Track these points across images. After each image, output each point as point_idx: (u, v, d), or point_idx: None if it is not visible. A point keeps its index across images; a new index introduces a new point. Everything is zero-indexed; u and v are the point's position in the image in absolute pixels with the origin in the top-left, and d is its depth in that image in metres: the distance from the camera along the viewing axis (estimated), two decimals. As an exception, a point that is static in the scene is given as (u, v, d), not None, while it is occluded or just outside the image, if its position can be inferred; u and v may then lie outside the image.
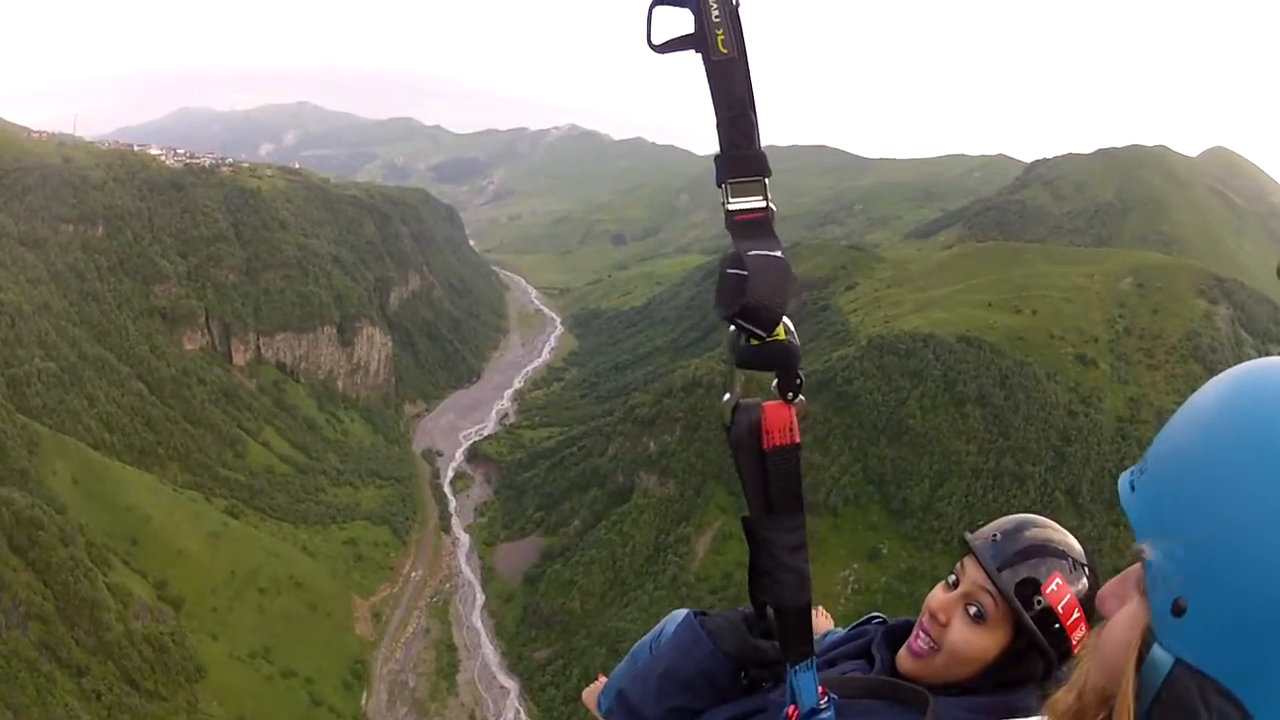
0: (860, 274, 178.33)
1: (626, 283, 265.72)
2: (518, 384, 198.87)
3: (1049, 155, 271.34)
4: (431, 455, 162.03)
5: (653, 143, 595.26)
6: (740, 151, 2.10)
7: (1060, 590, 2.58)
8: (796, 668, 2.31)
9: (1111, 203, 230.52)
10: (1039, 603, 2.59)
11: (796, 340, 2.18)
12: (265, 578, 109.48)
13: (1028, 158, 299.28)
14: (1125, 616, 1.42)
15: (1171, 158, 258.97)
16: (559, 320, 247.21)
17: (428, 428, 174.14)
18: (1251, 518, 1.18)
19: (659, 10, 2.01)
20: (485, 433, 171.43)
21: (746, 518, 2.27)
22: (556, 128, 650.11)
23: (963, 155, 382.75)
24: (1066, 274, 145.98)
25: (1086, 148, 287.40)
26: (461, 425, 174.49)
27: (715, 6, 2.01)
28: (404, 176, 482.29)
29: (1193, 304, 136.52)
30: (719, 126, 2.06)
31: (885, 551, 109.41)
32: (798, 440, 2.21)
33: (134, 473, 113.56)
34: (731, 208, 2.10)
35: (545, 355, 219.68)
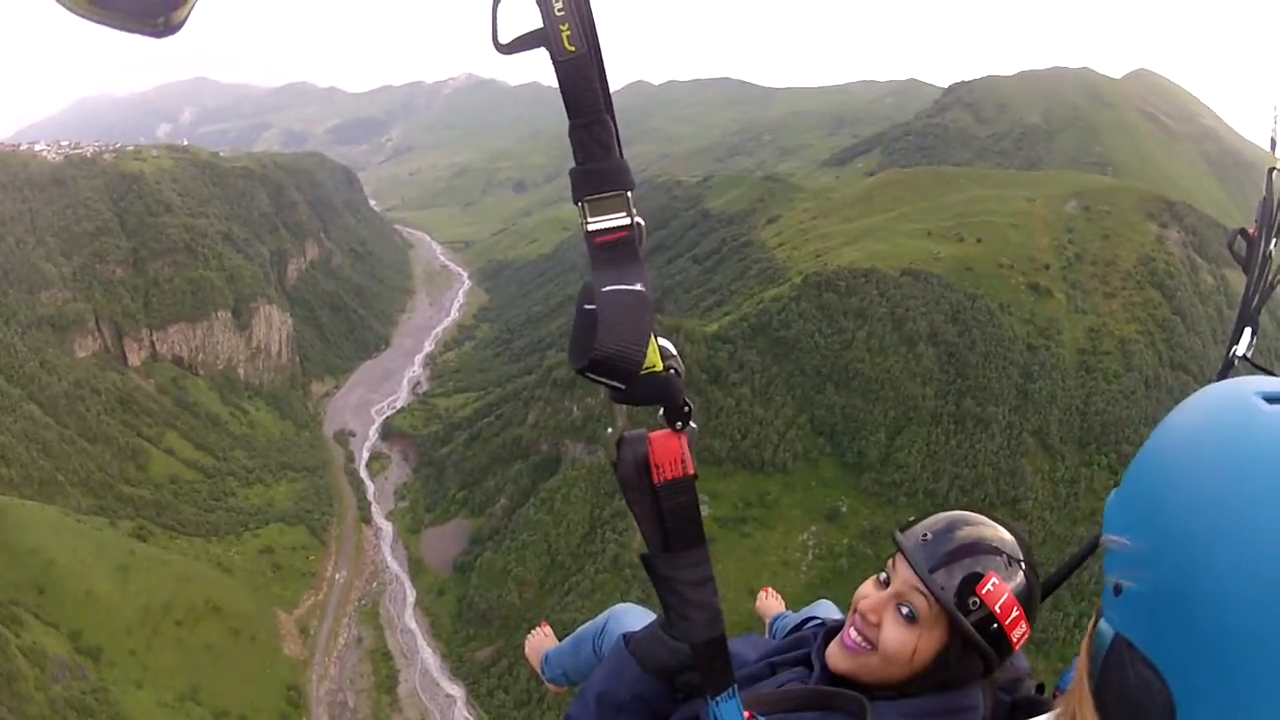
0: (780, 205, 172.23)
1: (533, 230, 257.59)
2: (428, 347, 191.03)
3: (967, 78, 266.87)
4: (344, 437, 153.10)
5: (550, 86, 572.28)
6: (597, 163, 1.76)
7: (997, 589, 2.55)
8: (718, 699, 2.16)
9: (1038, 124, 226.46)
10: (975, 603, 2.54)
11: (678, 364, 1.92)
12: (181, 608, 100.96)
13: (940, 82, 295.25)
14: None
15: (1096, 79, 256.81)
16: (466, 275, 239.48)
17: (338, 406, 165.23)
18: (1183, 517, 1.38)
19: (505, 4, 1.67)
20: (398, 405, 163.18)
21: (645, 556, 2.12)
22: (453, 78, 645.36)
23: (872, 81, 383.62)
24: (1005, 199, 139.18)
25: (1004, 70, 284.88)
26: (373, 399, 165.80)
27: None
28: (302, 142, 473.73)
29: (1143, 228, 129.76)
30: (571, 134, 1.74)
31: (844, 510, 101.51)
32: (691, 471, 2.01)
33: (35, 508, 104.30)
34: (591, 228, 1.81)
35: (454, 313, 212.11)
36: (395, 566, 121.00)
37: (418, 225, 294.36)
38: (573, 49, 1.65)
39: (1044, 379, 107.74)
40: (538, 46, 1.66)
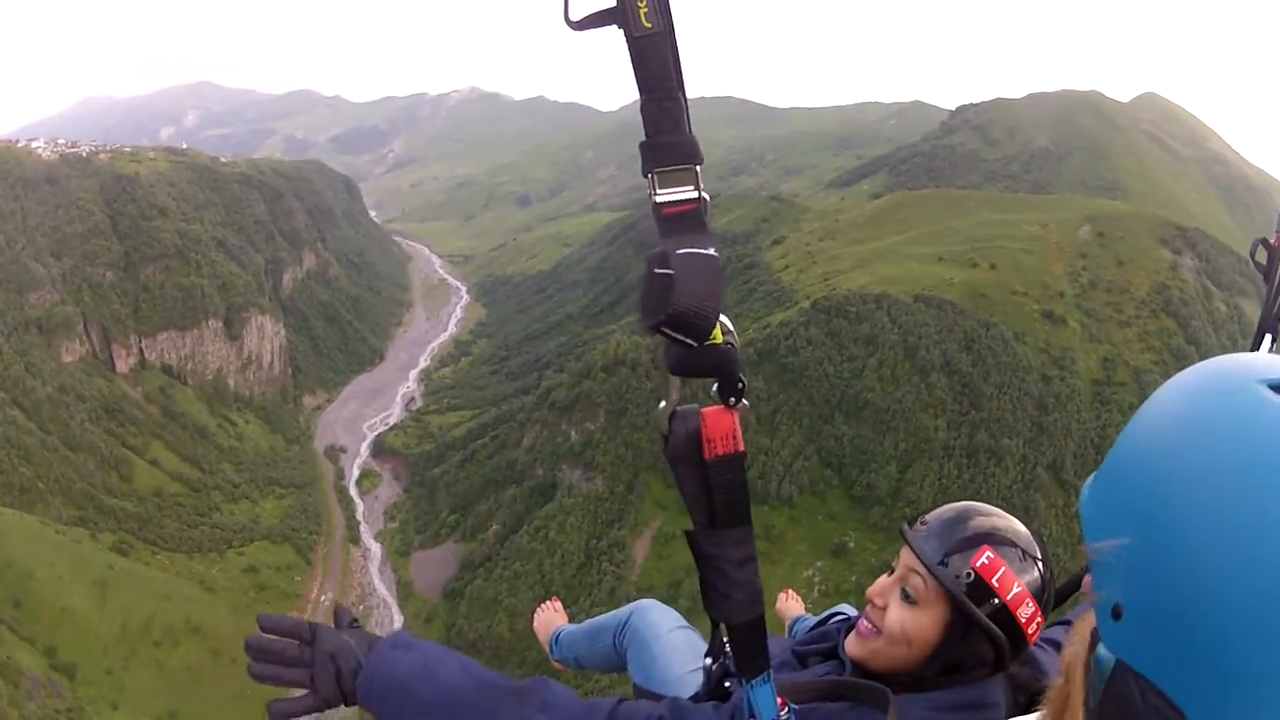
0: (785, 226, 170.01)
1: (533, 245, 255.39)
2: (424, 362, 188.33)
3: (975, 100, 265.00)
4: (335, 453, 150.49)
5: (555, 101, 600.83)
6: (668, 137, 1.81)
7: (993, 564, 2.48)
8: (753, 682, 2.20)
9: (1047, 147, 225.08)
10: (969, 575, 2.48)
11: (736, 341, 1.93)
12: (159, 628, 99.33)
13: (945, 104, 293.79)
14: (1082, 620, 1.49)
15: (1105, 103, 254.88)
16: (464, 289, 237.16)
17: (329, 421, 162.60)
18: (1186, 525, 1.23)
19: None
20: (391, 421, 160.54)
21: (691, 532, 2.11)
22: (457, 91, 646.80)
23: (877, 102, 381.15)
24: (1017, 223, 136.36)
25: (1012, 92, 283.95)
26: (365, 414, 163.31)
27: None
28: (304, 150, 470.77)
29: (1157, 255, 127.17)
30: (644, 109, 1.79)
31: (851, 545, 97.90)
32: (742, 448, 2.02)
33: (14, 517, 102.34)
34: (660, 199, 1.83)
35: (451, 328, 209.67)
36: (383, 590, 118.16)
37: (417, 237, 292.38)
38: (649, 25, 1.68)
39: (1059, 411, 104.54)
40: (612, 24, 1.69)
